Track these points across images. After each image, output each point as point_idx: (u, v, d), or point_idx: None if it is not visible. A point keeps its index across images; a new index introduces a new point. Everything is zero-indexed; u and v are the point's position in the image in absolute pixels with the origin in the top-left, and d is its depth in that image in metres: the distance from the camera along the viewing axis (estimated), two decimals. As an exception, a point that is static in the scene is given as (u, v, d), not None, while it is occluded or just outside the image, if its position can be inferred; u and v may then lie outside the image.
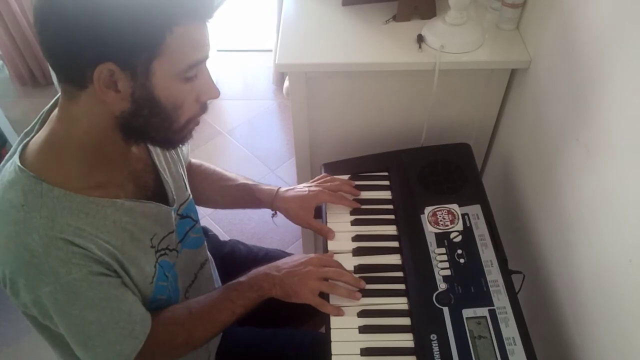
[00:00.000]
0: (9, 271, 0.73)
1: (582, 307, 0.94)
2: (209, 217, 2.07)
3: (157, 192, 0.88)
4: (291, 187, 1.10)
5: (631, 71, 0.78)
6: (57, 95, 0.76)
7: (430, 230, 1.02)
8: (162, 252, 0.87)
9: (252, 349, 1.08)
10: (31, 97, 2.59)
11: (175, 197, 0.91)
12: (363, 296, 0.94)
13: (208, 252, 1.10)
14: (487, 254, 0.97)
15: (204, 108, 0.78)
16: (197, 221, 1.02)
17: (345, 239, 1.04)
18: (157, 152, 0.90)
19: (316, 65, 1.22)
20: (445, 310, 0.90)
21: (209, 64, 0.75)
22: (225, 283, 0.94)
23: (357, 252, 1.01)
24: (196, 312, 0.89)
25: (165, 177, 0.90)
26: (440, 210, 1.05)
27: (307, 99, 1.28)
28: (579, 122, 0.94)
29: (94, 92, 0.68)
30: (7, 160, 0.76)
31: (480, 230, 1.01)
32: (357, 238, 1.04)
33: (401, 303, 0.94)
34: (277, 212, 1.10)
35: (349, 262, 0.99)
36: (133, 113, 0.71)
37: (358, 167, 1.17)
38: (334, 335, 0.90)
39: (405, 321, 0.91)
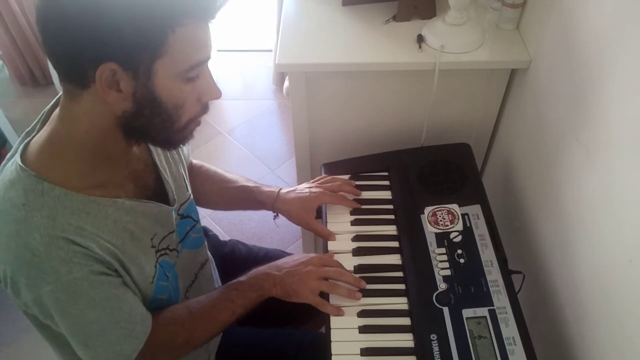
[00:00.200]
0: (10, 270, 0.73)
1: (582, 307, 0.94)
2: (209, 217, 2.07)
3: (158, 192, 0.88)
4: (292, 189, 1.10)
5: (631, 71, 0.78)
6: (58, 95, 0.76)
7: (430, 230, 1.02)
8: (163, 252, 0.87)
9: (252, 348, 1.08)
10: (31, 97, 2.59)
11: (175, 197, 0.91)
12: (363, 296, 0.94)
13: (208, 252, 1.10)
14: (487, 254, 0.97)
15: (205, 108, 0.78)
16: (197, 221, 1.02)
17: (345, 239, 1.04)
18: (157, 152, 0.90)
19: (316, 65, 1.22)
20: (445, 310, 0.90)
21: (210, 64, 0.75)
22: (225, 283, 0.95)
23: (357, 252, 1.01)
24: (196, 312, 0.89)
25: (166, 177, 0.90)
26: (440, 210, 1.05)
27: (307, 99, 1.28)
28: (579, 122, 0.94)
29: (95, 92, 0.68)
30: (9, 160, 0.77)
31: (480, 230, 1.01)
32: (357, 238, 1.04)
33: (401, 303, 0.94)
34: (279, 213, 1.10)
35: (349, 262, 0.99)
36: (135, 113, 0.71)
37: (358, 167, 1.17)
38: (334, 335, 0.90)
39: (405, 321, 0.91)
